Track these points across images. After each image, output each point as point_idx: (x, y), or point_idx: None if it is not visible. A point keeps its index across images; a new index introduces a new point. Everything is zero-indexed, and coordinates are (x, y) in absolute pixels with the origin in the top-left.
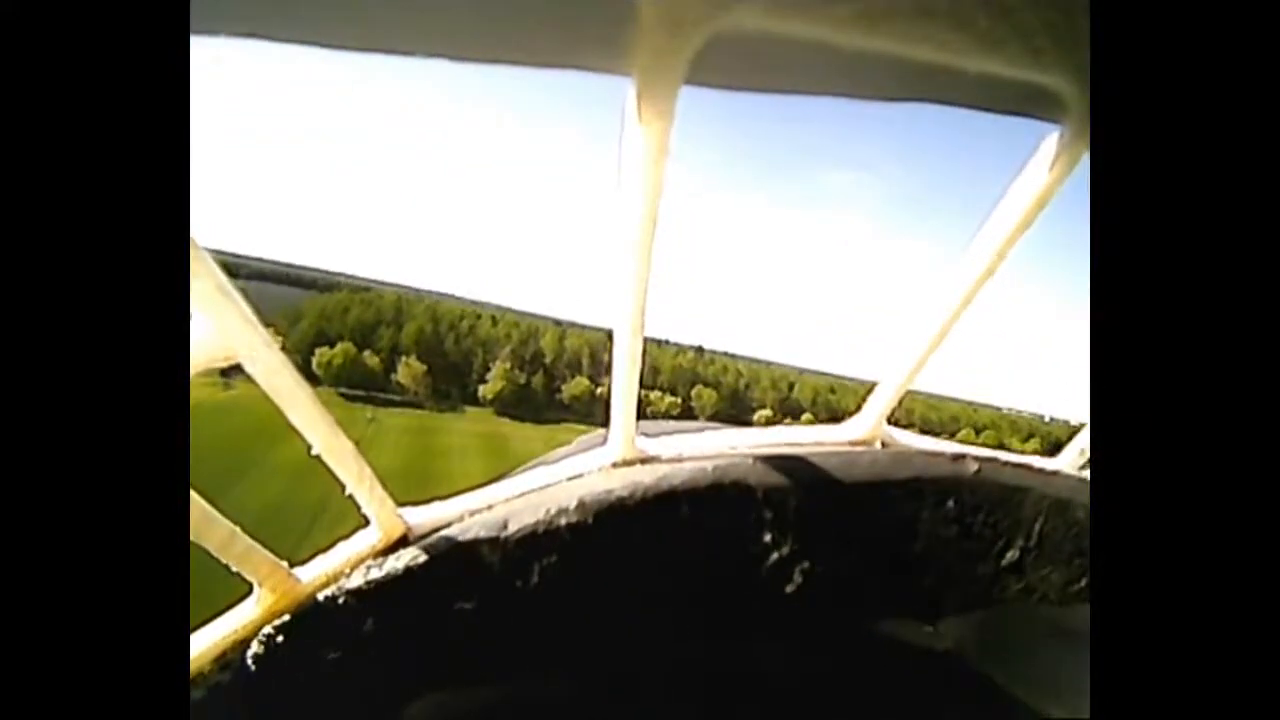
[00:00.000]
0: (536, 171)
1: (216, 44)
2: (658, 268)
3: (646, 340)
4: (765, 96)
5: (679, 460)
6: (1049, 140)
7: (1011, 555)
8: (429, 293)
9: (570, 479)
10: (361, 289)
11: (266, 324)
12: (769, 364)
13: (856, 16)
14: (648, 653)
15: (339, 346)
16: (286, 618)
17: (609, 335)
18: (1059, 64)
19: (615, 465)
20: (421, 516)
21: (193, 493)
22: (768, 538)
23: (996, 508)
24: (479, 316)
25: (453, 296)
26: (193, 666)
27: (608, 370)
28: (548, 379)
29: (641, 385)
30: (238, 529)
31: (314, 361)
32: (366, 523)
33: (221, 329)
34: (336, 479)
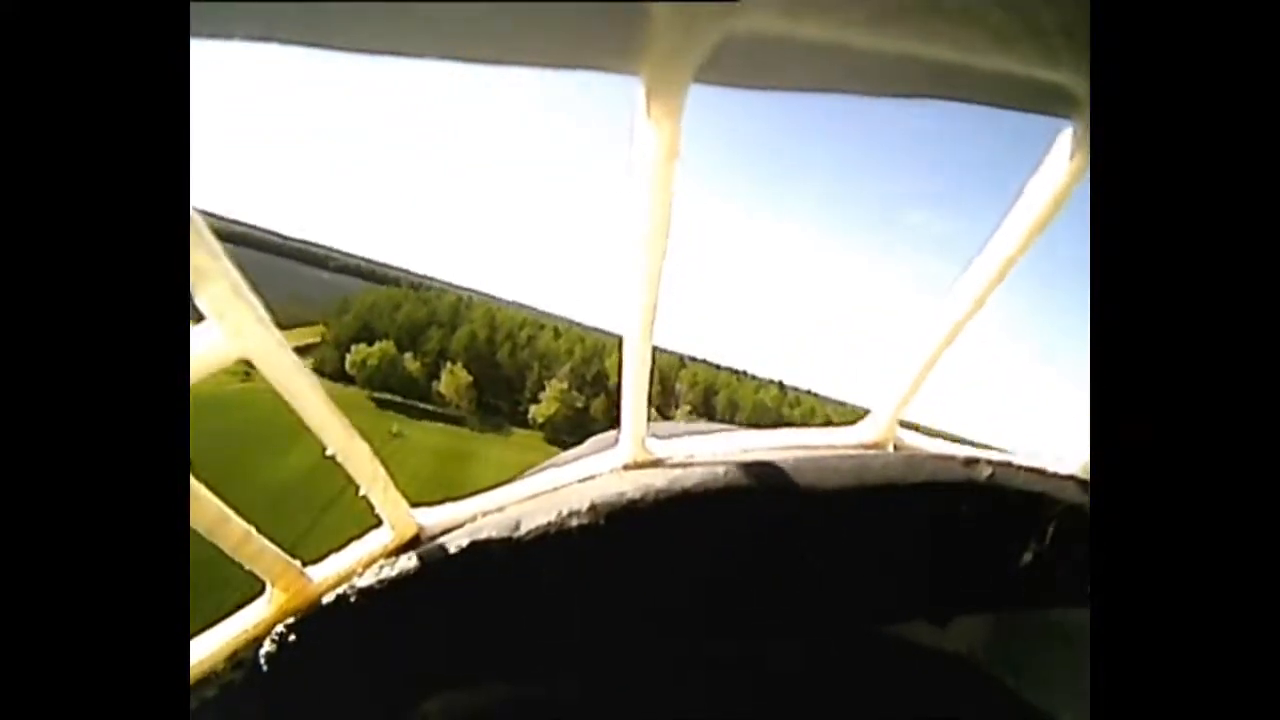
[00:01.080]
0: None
1: (219, 44)
2: (740, 292)
3: (723, 370)
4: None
5: (691, 463)
6: (1061, 139)
7: (1025, 560)
8: (495, 299)
9: (582, 481)
10: (420, 286)
11: (315, 316)
12: (854, 408)
13: (870, 16)
14: (659, 654)
15: (378, 345)
16: (299, 616)
17: (681, 360)
18: (1073, 61)
19: (627, 467)
20: (434, 517)
21: (208, 493)
22: (780, 540)
23: (1009, 512)
24: (541, 327)
25: (520, 304)
26: (206, 665)
27: (678, 401)
28: (609, 404)
29: (720, 421)
30: (252, 529)
31: (349, 359)
32: (379, 523)
33: (234, 330)
34: (325, 495)
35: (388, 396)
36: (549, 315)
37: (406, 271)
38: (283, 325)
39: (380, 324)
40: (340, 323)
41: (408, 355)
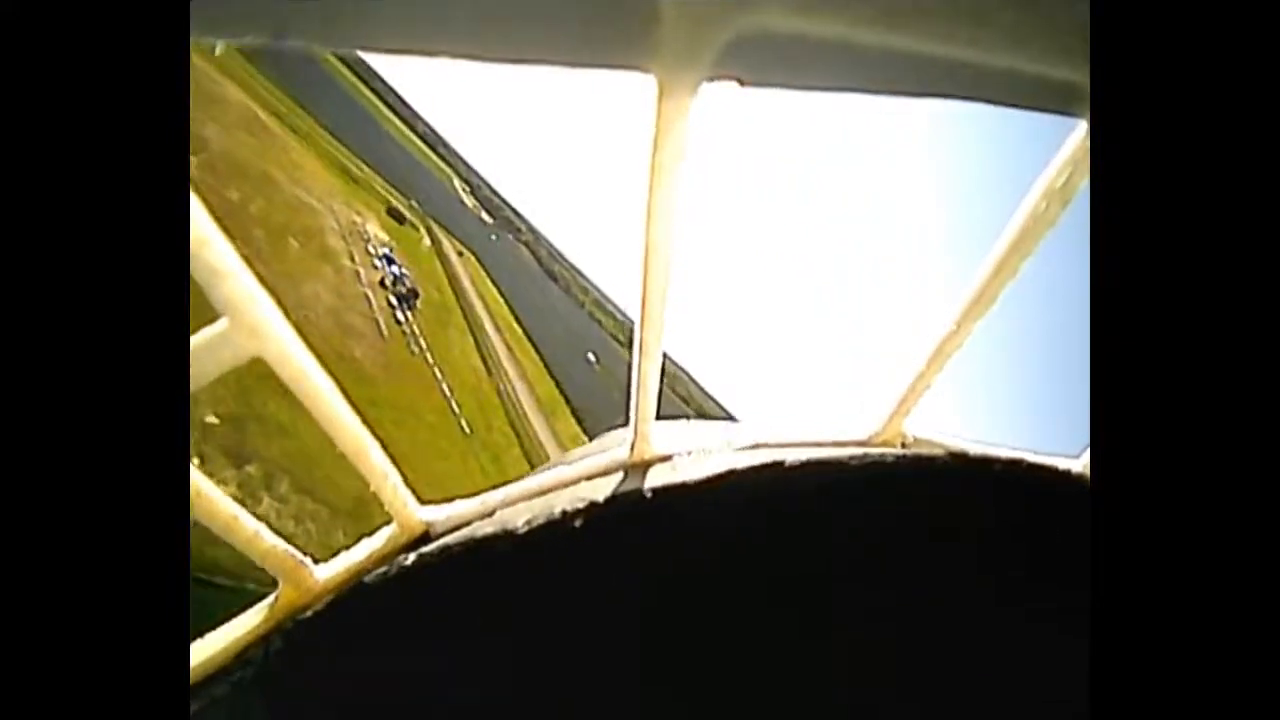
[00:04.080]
0: None
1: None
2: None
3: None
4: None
5: (696, 459)
6: (1072, 136)
7: (1035, 557)
8: None
9: (590, 478)
10: None
11: None
12: None
13: (881, 14)
14: (664, 652)
15: None
16: (308, 613)
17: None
18: (1085, 59)
19: (633, 465)
20: (442, 514)
21: (218, 492)
22: (786, 537)
23: (1019, 508)
24: None
25: None
26: (215, 662)
27: None
28: None
29: None
30: (262, 526)
31: None
32: (389, 520)
33: (249, 331)
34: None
35: None
36: None
37: None
38: None
39: None
40: None
41: None
